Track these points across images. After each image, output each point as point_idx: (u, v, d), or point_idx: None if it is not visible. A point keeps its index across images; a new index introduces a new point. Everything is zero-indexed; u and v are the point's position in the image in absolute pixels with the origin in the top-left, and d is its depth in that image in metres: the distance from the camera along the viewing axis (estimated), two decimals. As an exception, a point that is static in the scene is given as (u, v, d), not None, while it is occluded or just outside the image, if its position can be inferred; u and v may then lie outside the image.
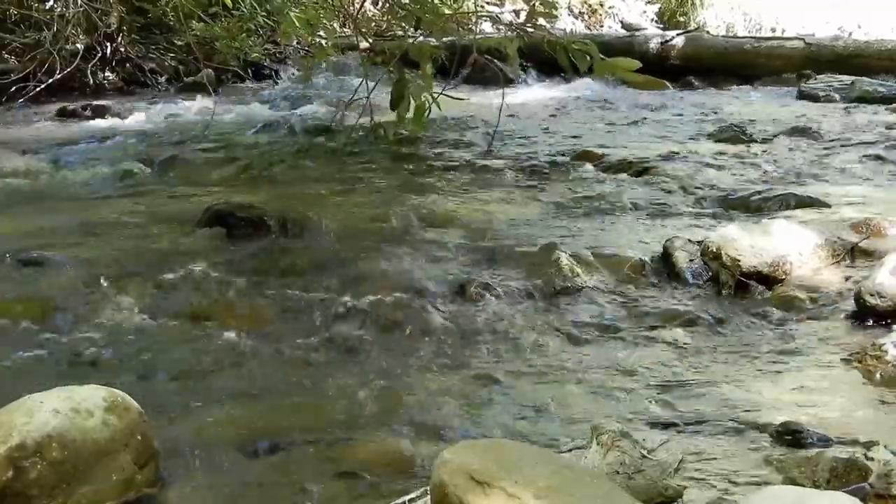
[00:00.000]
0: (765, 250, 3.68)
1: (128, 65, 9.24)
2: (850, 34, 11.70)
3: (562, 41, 3.52)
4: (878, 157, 5.78)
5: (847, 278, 3.62)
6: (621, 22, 13.25)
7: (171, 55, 9.44)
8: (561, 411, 2.78)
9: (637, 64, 3.45)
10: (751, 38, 10.74)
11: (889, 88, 8.16)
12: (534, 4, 3.92)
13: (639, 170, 5.52)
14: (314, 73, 8.59)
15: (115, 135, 6.96)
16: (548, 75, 9.16)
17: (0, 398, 2.36)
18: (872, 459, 2.26)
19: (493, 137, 5.94)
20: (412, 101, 3.56)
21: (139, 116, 7.73)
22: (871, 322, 3.31)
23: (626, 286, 3.74)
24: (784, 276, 3.65)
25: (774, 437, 2.53)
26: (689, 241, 3.94)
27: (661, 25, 13.04)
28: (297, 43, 8.81)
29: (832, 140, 6.34)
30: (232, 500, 2.36)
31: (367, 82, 4.07)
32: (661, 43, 9.93)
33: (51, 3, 8.92)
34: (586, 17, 13.31)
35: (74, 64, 8.53)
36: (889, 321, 3.24)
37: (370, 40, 6.62)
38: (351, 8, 8.18)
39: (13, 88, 8.26)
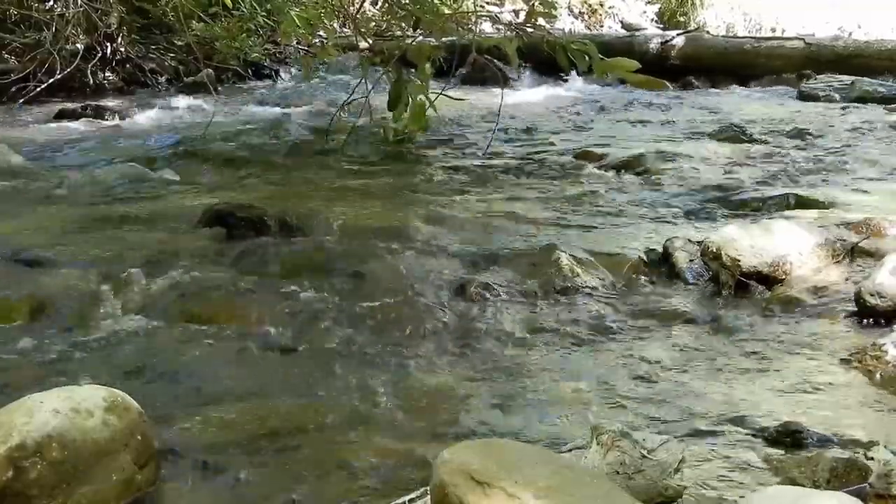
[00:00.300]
0: (765, 250, 3.67)
1: (128, 65, 9.23)
2: (850, 34, 11.69)
3: (561, 41, 3.53)
4: (877, 157, 5.78)
5: (847, 278, 3.62)
6: (621, 22, 13.25)
7: (172, 55, 9.43)
8: (561, 411, 2.78)
9: (637, 64, 3.45)
10: (751, 38, 10.72)
11: (889, 88, 8.16)
12: (533, 4, 3.93)
13: (639, 170, 5.53)
14: (314, 72, 8.58)
15: (115, 135, 6.98)
16: (547, 75, 9.15)
17: (0, 398, 2.36)
18: (872, 459, 2.26)
19: (492, 137, 5.93)
20: (410, 102, 3.56)
21: (139, 117, 7.73)
22: (871, 322, 3.31)
23: (626, 286, 3.74)
24: (784, 277, 3.65)
25: (774, 437, 2.53)
26: (689, 241, 3.94)
27: (661, 25, 13.03)
28: (297, 43, 8.79)
29: (832, 140, 6.33)
30: (232, 500, 2.36)
31: (366, 82, 4.07)
32: (661, 43, 9.92)
33: (51, 3, 8.92)
34: (586, 17, 13.31)
35: (74, 64, 8.53)
36: (889, 321, 3.24)
37: (369, 40, 6.62)
38: (351, 8, 8.18)
39: (13, 88, 8.27)
